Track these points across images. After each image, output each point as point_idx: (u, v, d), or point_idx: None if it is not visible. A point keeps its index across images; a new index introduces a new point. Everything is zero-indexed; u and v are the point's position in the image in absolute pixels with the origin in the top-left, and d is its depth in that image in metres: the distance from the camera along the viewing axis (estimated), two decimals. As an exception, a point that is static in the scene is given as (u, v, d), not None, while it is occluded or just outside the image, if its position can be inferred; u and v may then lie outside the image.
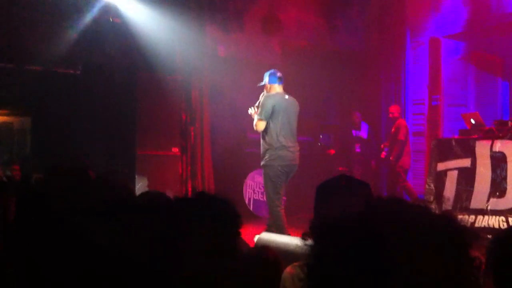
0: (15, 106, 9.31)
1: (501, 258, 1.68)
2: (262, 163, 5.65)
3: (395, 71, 9.50)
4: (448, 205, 6.41)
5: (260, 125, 5.57)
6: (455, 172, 6.48)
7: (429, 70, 9.06)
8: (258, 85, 5.86)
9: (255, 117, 5.65)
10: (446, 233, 0.89)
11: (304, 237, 1.46)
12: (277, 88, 5.74)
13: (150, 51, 7.67)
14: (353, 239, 0.86)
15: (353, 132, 8.99)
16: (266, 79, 5.76)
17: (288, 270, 2.07)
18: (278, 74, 5.79)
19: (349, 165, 8.81)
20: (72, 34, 7.38)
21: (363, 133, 8.89)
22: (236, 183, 8.05)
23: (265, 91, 5.76)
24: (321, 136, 9.32)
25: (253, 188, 8.28)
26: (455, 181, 6.46)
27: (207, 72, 8.13)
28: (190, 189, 7.52)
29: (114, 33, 7.69)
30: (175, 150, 6.87)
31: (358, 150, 8.85)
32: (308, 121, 9.42)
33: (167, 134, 7.81)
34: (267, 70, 8.63)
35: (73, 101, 8.34)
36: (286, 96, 5.79)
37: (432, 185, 6.71)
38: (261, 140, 5.68)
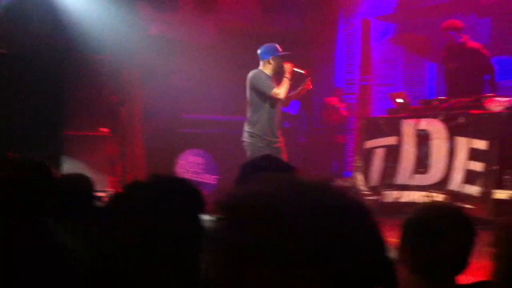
0: None
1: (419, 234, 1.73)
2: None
3: (327, 52, 9.65)
4: (375, 182, 6.62)
5: None
6: (382, 150, 6.67)
7: (360, 51, 9.26)
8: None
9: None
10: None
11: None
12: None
13: (78, 30, 7.40)
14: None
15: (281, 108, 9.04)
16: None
17: None
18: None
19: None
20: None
21: (291, 109, 8.96)
22: (169, 163, 7.97)
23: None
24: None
25: (186, 168, 8.24)
26: (382, 158, 6.66)
27: (138, 52, 7.94)
28: (120, 170, 7.40)
29: (39, 11, 7.36)
30: (104, 130, 6.75)
31: (286, 125, 8.93)
32: (241, 101, 9.42)
33: (96, 115, 7.60)
34: (202, 50, 8.57)
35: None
36: None
37: (360, 162, 6.90)
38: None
